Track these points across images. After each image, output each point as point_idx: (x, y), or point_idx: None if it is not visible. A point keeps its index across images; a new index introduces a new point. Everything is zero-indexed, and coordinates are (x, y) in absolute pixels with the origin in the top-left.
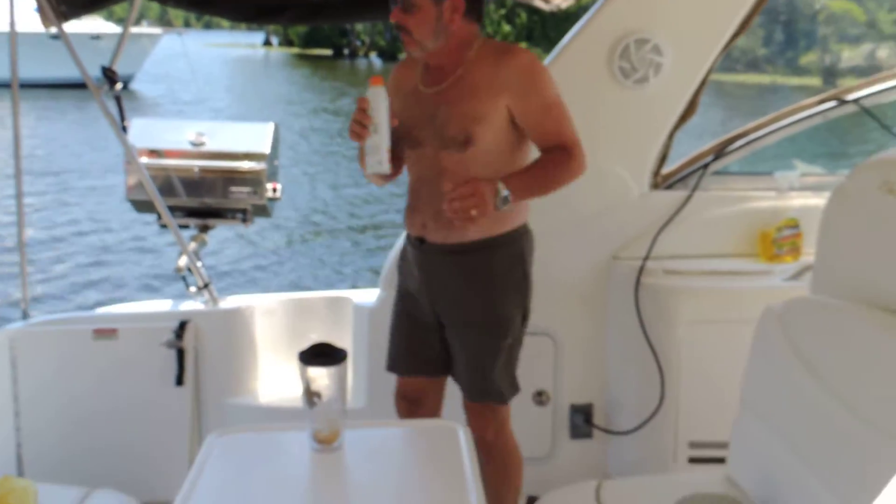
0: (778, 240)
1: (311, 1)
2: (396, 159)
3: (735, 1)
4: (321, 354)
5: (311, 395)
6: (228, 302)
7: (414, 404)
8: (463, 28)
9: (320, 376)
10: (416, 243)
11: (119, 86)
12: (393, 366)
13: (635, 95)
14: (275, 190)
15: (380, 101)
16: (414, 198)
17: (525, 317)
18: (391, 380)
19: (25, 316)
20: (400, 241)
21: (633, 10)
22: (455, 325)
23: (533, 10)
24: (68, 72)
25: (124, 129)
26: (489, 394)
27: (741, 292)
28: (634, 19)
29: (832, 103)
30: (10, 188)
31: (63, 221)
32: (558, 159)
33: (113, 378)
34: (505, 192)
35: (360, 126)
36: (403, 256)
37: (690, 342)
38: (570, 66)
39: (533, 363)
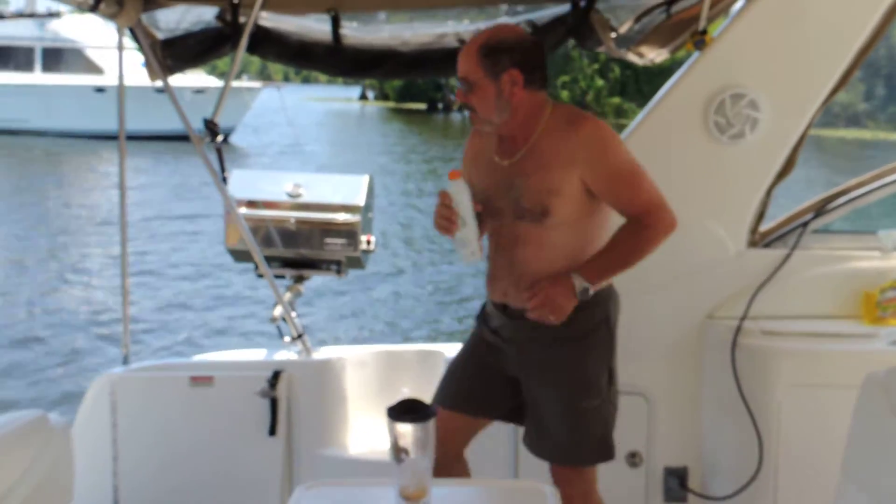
0: (882, 302)
1: (405, 55)
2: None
3: (834, 55)
4: (410, 410)
5: (398, 451)
6: (322, 353)
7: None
8: (527, 98)
9: (408, 433)
10: (500, 308)
11: (220, 138)
12: (444, 401)
13: (731, 151)
14: (369, 242)
15: (462, 195)
16: (494, 266)
17: (612, 377)
18: (482, 435)
19: (126, 361)
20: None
21: (727, 65)
22: (539, 388)
23: (626, 65)
24: (172, 124)
25: (224, 180)
26: (574, 457)
27: (843, 355)
28: (729, 74)
29: None
30: (115, 235)
31: (164, 269)
32: (633, 233)
33: (208, 425)
34: (583, 284)
35: (446, 221)
36: (483, 314)
37: (790, 406)
38: (664, 121)
39: (625, 423)
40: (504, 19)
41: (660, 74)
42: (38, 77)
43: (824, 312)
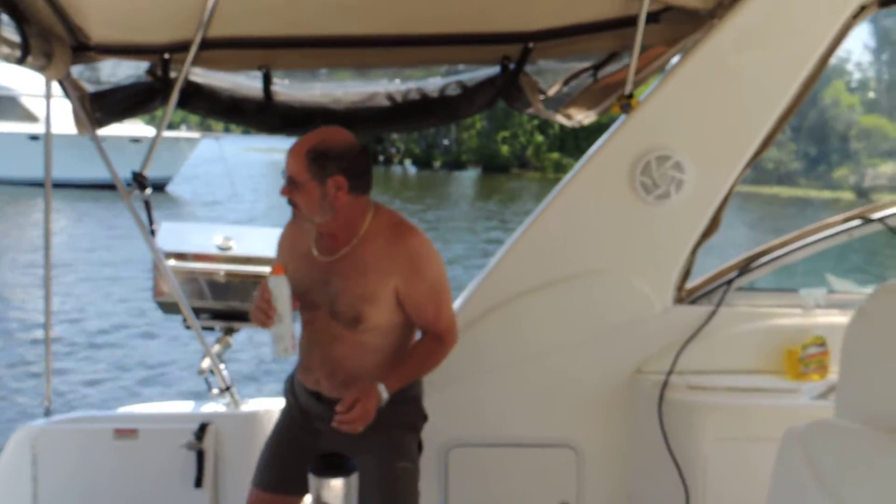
0: (804, 358)
1: (336, 112)
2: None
3: (757, 118)
4: (332, 466)
5: None
6: (250, 405)
7: None
8: (350, 202)
9: (331, 488)
10: (313, 395)
11: (148, 190)
12: (263, 482)
13: (657, 211)
14: None
15: (283, 290)
16: (309, 357)
17: (420, 447)
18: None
19: (48, 413)
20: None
21: (653, 128)
22: (357, 455)
23: None
24: (105, 173)
25: (153, 232)
26: None
27: (768, 410)
28: (655, 136)
29: (857, 222)
30: (38, 285)
31: (89, 319)
32: (431, 349)
33: (132, 478)
34: (385, 394)
35: (263, 315)
36: (292, 391)
37: (716, 460)
38: (592, 181)
39: (555, 474)
40: (434, 80)
41: (598, 131)
42: None
43: (749, 367)
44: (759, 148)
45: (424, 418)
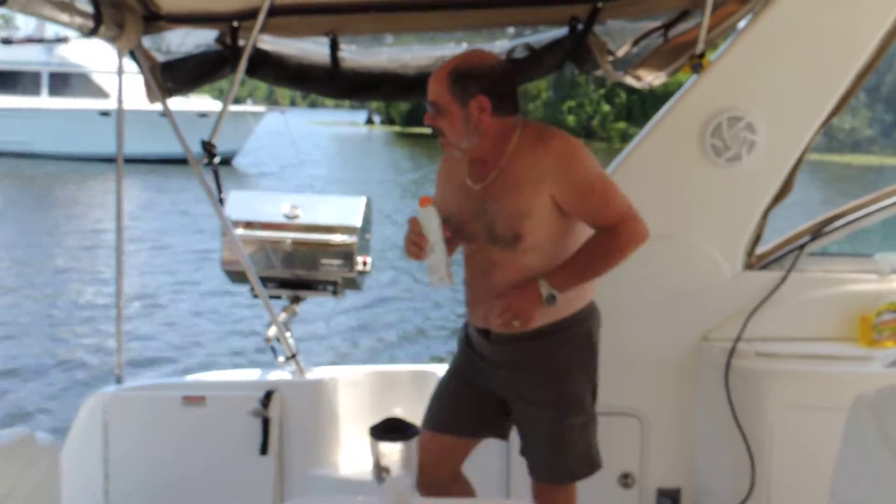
0: (878, 324)
1: (403, 78)
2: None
3: (832, 78)
4: (392, 430)
5: (380, 470)
6: (315, 373)
7: (434, 465)
8: (495, 124)
9: (390, 452)
10: (482, 333)
11: (217, 159)
12: (434, 424)
13: (728, 174)
14: (365, 263)
15: (432, 221)
16: (472, 291)
17: (594, 394)
18: (476, 454)
19: (119, 380)
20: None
21: (725, 88)
22: (525, 407)
23: (632, 90)
24: (175, 147)
25: (221, 201)
26: (556, 474)
27: (838, 378)
28: (727, 97)
29: None
30: (110, 256)
31: (159, 288)
32: (603, 242)
33: (199, 444)
34: (549, 290)
35: (416, 247)
36: (466, 337)
37: (783, 428)
38: (661, 144)
39: (618, 443)
40: (502, 43)
41: (665, 98)
42: (44, 101)
43: (820, 335)
44: (833, 108)
45: (595, 360)
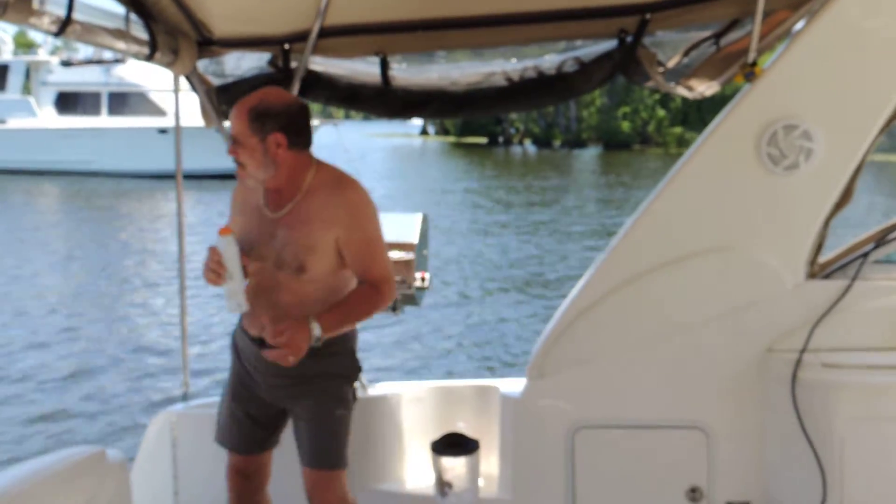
0: None
1: (453, 94)
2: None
3: (889, 82)
4: (453, 445)
5: (442, 485)
6: (377, 388)
7: (247, 479)
8: (290, 158)
9: (452, 467)
10: (256, 341)
11: None
12: (228, 442)
13: (786, 182)
14: (423, 279)
15: (231, 250)
16: (254, 304)
17: (354, 395)
18: (541, 471)
19: (185, 398)
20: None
21: (779, 96)
22: (298, 400)
23: None
24: (228, 163)
25: None
26: (328, 460)
27: None
28: (781, 105)
29: None
30: (171, 273)
31: (223, 306)
32: (367, 295)
33: None
34: (318, 332)
35: (214, 274)
36: (235, 348)
37: (853, 441)
38: (716, 154)
39: (684, 457)
40: (551, 57)
41: (722, 103)
42: (104, 120)
43: (887, 344)
44: (893, 113)
45: (358, 369)
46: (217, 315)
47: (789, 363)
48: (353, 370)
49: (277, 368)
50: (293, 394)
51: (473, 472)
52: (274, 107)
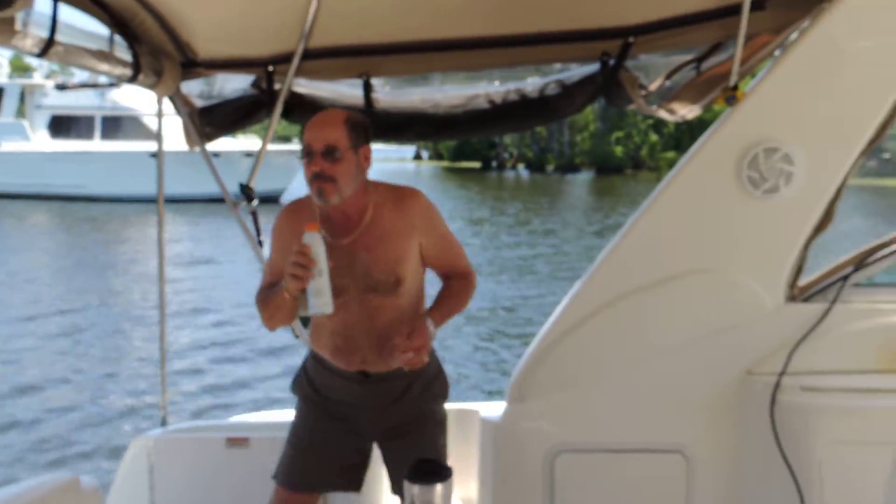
0: None
1: (436, 117)
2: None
3: (870, 107)
4: (427, 472)
5: None
6: None
7: None
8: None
9: (425, 493)
10: (357, 377)
11: (255, 202)
12: (293, 481)
13: (766, 205)
14: None
15: (319, 246)
16: (345, 340)
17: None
18: (520, 495)
19: (164, 423)
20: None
21: (760, 119)
22: (404, 437)
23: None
24: (217, 188)
25: (260, 243)
26: None
27: (887, 412)
28: (762, 128)
29: None
30: (153, 297)
31: (202, 332)
32: (462, 287)
33: (244, 486)
34: (433, 327)
35: (303, 269)
36: (310, 386)
37: (832, 464)
38: (697, 177)
39: (664, 481)
40: (534, 80)
41: None
42: (96, 144)
43: (867, 367)
44: (873, 137)
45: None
46: (195, 340)
47: (768, 386)
48: (447, 387)
49: (383, 396)
50: (402, 416)
51: (446, 499)
52: (361, 119)
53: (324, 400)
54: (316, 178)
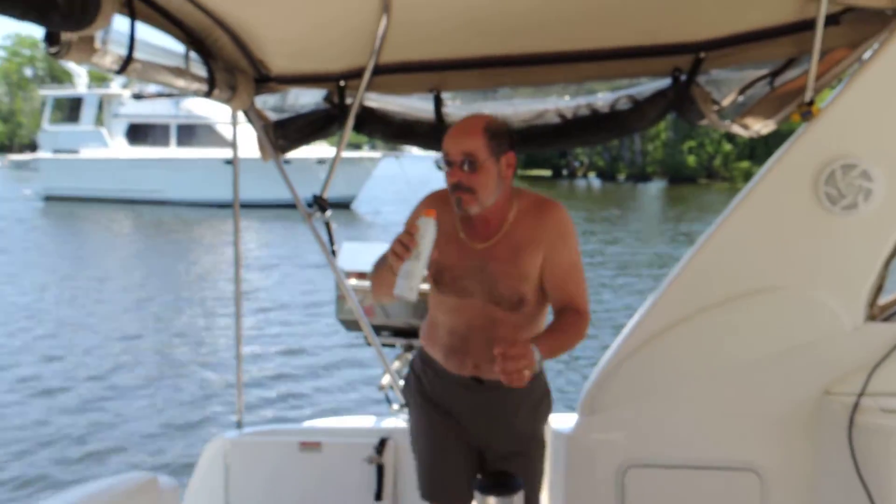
0: None
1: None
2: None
3: None
4: (498, 484)
5: None
6: None
7: None
8: (511, 181)
9: None
10: (470, 383)
11: (328, 212)
12: (441, 494)
13: (845, 222)
14: None
15: (428, 232)
16: (461, 341)
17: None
18: None
19: (239, 426)
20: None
21: (837, 136)
22: (509, 446)
23: None
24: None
25: (334, 252)
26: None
27: None
28: (839, 144)
29: None
30: (229, 305)
31: (278, 336)
32: (576, 321)
33: (316, 490)
34: (538, 355)
35: (403, 248)
36: (423, 391)
37: None
38: (773, 192)
39: (736, 499)
40: (604, 95)
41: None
42: (172, 151)
43: None
44: None
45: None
46: (272, 345)
47: (847, 407)
48: (551, 411)
49: (495, 406)
50: (512, 435)
51: None
52: (501, 125)
53: (434, 407)
54: (455, 189)
